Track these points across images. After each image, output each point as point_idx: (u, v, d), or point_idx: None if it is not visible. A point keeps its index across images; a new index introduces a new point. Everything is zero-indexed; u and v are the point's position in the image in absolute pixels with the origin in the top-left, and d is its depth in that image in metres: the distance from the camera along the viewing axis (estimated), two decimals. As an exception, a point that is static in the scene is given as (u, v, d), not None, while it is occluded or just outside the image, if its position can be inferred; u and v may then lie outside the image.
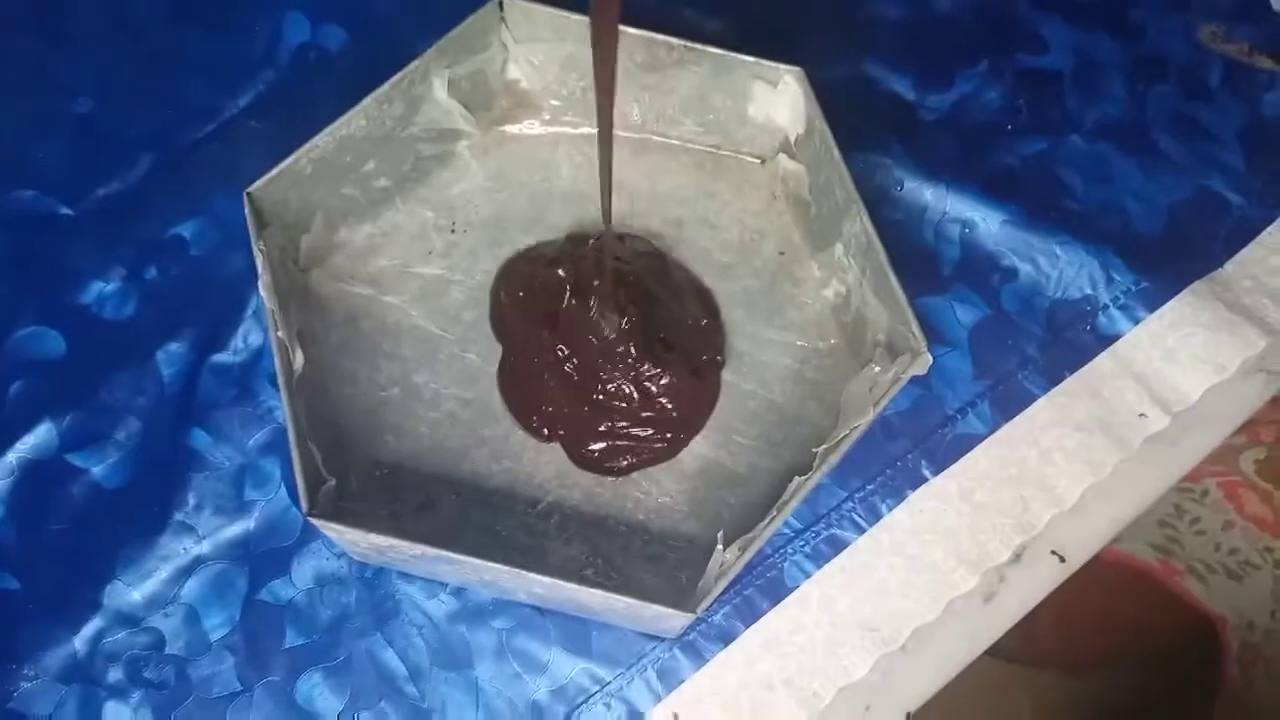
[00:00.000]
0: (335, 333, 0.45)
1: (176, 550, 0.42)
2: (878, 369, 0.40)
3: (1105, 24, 0.55)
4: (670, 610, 0.35)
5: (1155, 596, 0.75)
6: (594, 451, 0.45)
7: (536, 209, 0.49)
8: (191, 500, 0.42)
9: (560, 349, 0.45)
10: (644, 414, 0.45)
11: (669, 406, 0.45)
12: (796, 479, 0.37)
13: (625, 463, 0.45)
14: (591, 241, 0.48)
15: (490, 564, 0.35)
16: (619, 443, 0.45)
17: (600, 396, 0.45)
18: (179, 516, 0.42)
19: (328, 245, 0.46)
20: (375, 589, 0.41)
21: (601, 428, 0.45)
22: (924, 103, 0.52)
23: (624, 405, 0.45)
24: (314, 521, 0.35)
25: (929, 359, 0.38)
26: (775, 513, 0.36)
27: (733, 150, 0.50)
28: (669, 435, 0.45)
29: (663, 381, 0.44)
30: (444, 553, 0.35)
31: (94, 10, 0.52)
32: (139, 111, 0.50)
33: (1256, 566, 0.70)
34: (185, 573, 0.41)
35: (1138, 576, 0.75)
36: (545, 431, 0.45)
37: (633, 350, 0.44)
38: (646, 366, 0.44)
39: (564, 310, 0.45)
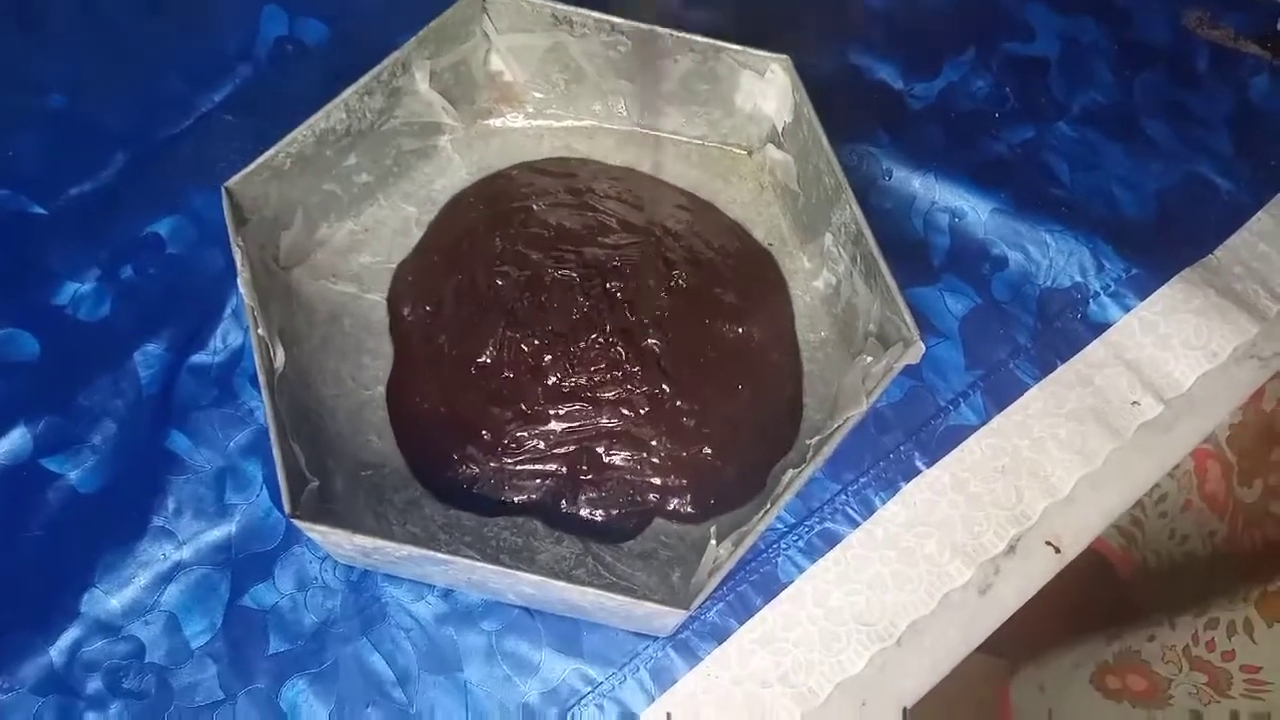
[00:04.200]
0: (317, 331, 0.44)
1: (156, 556, 0.41)
2: (869, 359, 0.40)
3: (1091, 10, 0.54)
4: (663, 607, 0.34)
5: (1107, 585, 0.75)
6: (586, 517, 0.41)
7: (521, 203, 0.48)
8: (171, 504, 0.41)
9: (515, 362, 0.41)
10: (676, 478, 0.41)
11: (721, 466, 0.41)
12: (790, 471, 0.36)
13: (634, 525, 0.41)
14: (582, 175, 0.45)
15: (479, 564, 0.35)
16: (628, 510, 0.41)
17: (583, 465, 0.41)
18: (158, 521, 0.41)
19: (309, 243, 0.45)
20: (361, 592, 0.41)
21: (590, 495, 0.41)
22: (911, 91, 0.52)
23: (639, 468, 0.41)
24: (297, 523, 0.34)
25: (921, 348, 0.37)
26: (769, 506, 0.36)
27: (719, 141, 0.50)
28: (712, 502, 0.41)
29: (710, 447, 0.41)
30: (431, 553, 0.34)
31: (65, 4, 0.51)
32: (112, 107, 0.49)
33: (1197, 557, 0.69)
34: (165, 579, 0.40)
35: (1099, 564, 0.75)
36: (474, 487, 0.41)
37: (663, 391, 0.41)
38: (693, 416, 0.41)
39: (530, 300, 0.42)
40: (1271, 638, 0.54)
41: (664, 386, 0.42)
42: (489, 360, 0.42)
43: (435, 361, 0.43)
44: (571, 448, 0.42)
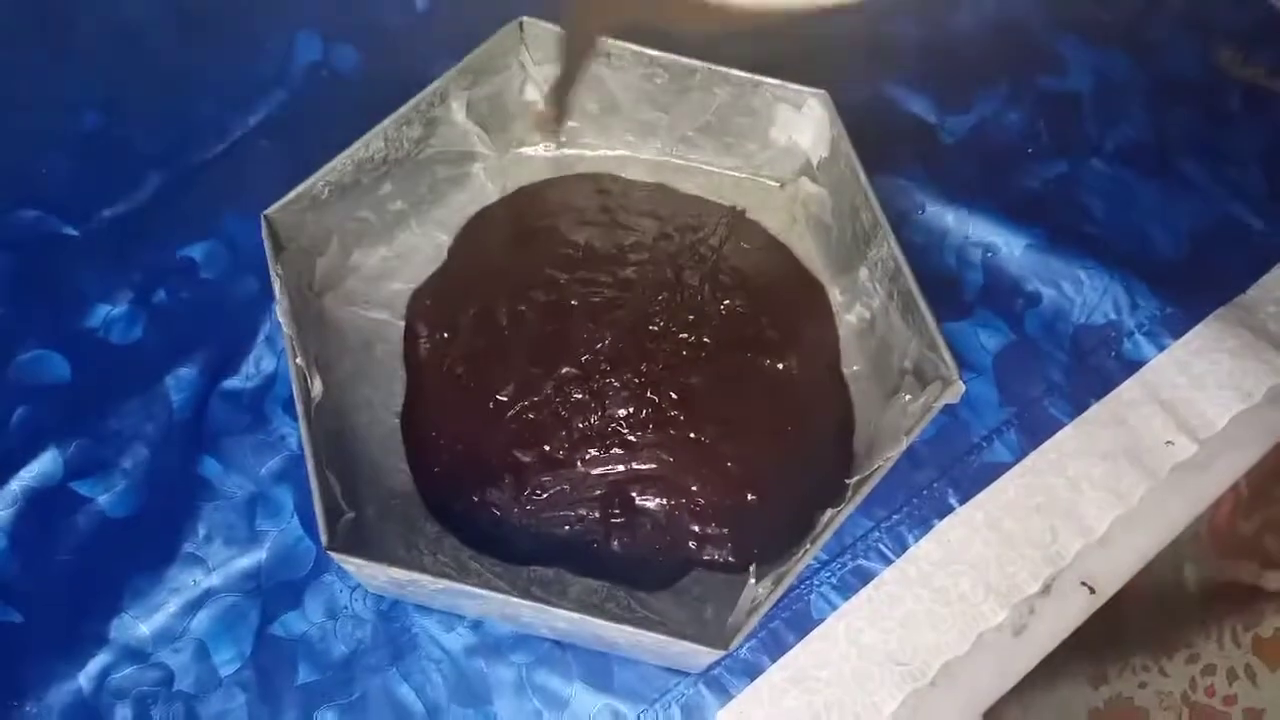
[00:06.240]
0: (349, 358, 0.44)
1: (186, 582, 0.40)
2: (907, 397, 0.40)
3: (1124, 46, 0.54)
4: (699, 646, 0.34)
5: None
6: (617, 564, 0.39)
7: (553, 231, 0.48)
8: (201, 530, 0.41)
9: (562, 400, 0.39)
10: (717, 526, 0.39)
11: (767, 513, 0.39)
12: (829, 511, 0.36)
13: (669, 574, 0.39)
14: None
15: (513, 598, 0.34)
16: (663, 558, 0.39)
17: (614, 508, 0.39)
18: (188, 547, 0.41)
19: (342, 269, 0.45)
20: (391, 622, 0.40)
21: (624, 539, 0.39)
22: (944, 125, 0.52)
23: (676, 514, 0.39)
24: (334, 556, 0.34)
25: (961, 387, 0.37)
26: (808, 545, 0.35)
27: (751, 173, 0.50)
28: (755, 551, 0.38)
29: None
30: (465, 588, 0.34)
31: (100, 25, 0.52)
32: (147, 130, 0.49)
33: (1186, 587, 0.68)
34: (195, 606, 0.40)
35: None
36: (497, 509, 0.39)
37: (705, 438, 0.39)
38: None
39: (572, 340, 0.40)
40: (1275, 682, 0.54)
41: (706, 429, 0.41)
42: (510, 399, 0.41)
43: (452, 395, 0.42)
44: (602, 490, 0.40)
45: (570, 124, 0.49)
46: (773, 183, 0.49)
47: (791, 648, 0.41)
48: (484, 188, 0.48)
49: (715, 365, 0.42)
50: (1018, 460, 0.44)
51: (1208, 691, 0.58)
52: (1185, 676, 0.60)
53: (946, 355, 0.38)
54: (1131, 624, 0.71)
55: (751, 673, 0.40)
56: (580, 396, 0.41)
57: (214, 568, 0.41)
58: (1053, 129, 0.52)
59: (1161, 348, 0.47)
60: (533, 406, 0.41)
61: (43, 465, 0.42)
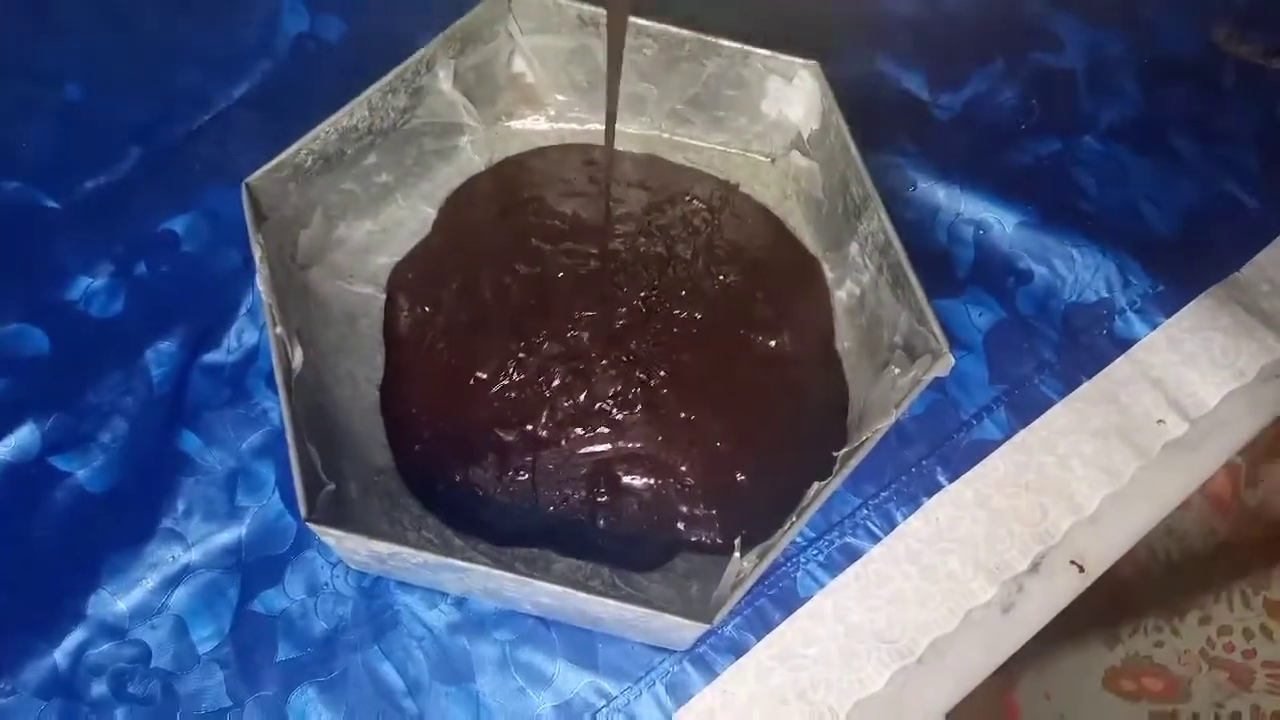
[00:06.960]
0: (333, 332, 0.43)
1: (164, 558, 0.40)
2: (897, 371, 0.39)
3: (1120, 23, 0.54)
4: (684, 621, 0.34)
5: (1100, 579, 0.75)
6: (602, 545, 0.38)
7: (540, 206, 0.47)
8: (180, 506, 0.41)
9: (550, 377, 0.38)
10: (705, 508, 0.38)
11: (756, 494, 0.38)
12: (815, 484, 0.36)
13: (655, 556, 0.38)
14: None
15: (496, 572, 0.34)
16: (650, 539, 0.38)
17: (600, 487, 0.38)
18: (167, 523, 0.40)
19: (327, 242, 0.44)
20: (373, 599, 0.40)
21: (610, 519, 0.38)
22: (937, 101, 0.51)
23: (664, 494, 0.38)
24: (313, 527, 0.33)
25: (951, 360, 0.37)
26: (794, 519, 0.35)
27: (742, 148, 0.49)
28: (744, 533, 0.35)
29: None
30: (448, 560, 0.34)
31: (82, -4, 0.51)
32: (129, 101, 0.48)
33: (1196, 553, 0.69)
34: (173, 582, 0.39)
35: None
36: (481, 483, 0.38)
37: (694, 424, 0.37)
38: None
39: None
40: None
41: (696, 408, 0.40)
42: (492, 377, 0.40)
43: (433, 371, 0.41)
44: (588, 469, 0.40)
45: (559, 97, 0.48)
46: (763, 158, 0.49)
47: (778, 625, 0.40)
48: (470, 161, 0.47)
49: (706, 342, 0.41)
50: (1008, 438, 0.44)
51: (1226, 648, 0.59)
52: (1200, 636, 0.61)
53: (936, 328, 0.37)
54: (1138, 589, 0.71)
55: (737, 650, 0.40)
56: (566, 374, 0.41)
57: (193, 543, 0.40)
58: (1046, 106, 0.52)
59: (1154, 326, 0.46)
60: (516, 384, 0.40)
61: (20, 439, 0.41)
